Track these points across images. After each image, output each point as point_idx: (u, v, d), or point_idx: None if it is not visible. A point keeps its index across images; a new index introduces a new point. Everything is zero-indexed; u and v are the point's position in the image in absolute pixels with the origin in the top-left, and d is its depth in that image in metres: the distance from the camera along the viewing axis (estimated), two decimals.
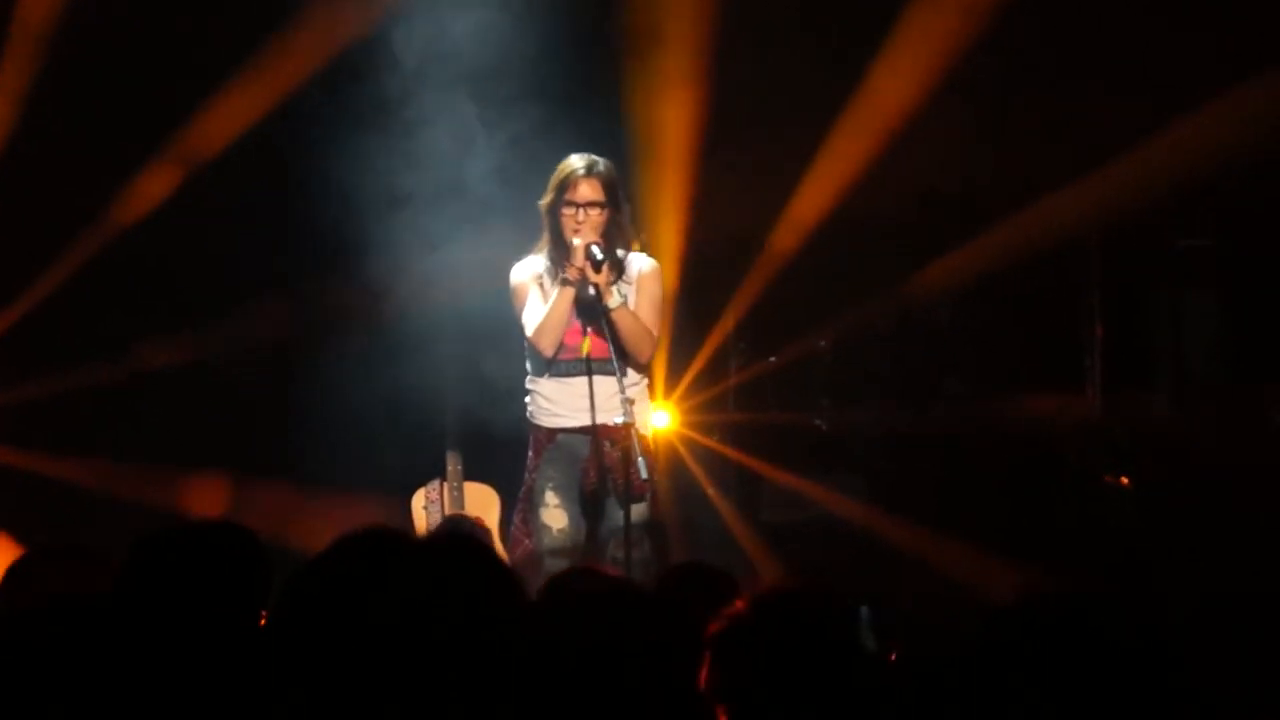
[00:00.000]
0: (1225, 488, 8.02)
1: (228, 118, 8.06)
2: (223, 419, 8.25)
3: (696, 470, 8.70)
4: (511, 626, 2.07)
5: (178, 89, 8.02)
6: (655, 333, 6.42)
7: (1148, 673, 2.75)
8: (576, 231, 6.28)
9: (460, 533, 2.14)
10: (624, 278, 6.42)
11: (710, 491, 8.74)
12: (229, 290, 8.22)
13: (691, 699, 2.86)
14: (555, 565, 6.20)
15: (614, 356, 6.18)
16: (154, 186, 8.14)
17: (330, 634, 1.99)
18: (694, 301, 8.35)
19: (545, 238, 6.41)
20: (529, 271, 6.44)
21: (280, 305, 8.26)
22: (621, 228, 6.40)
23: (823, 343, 8.83)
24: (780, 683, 3.02)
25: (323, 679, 1.97)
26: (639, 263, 6.46)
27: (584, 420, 6.27)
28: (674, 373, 8.54)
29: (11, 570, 3.87)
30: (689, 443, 8.71)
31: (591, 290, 6.24)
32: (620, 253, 6.40)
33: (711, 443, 8.75)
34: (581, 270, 6.23)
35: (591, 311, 6.28)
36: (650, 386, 6.69)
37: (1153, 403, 8.58)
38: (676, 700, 2.75)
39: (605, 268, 6.22)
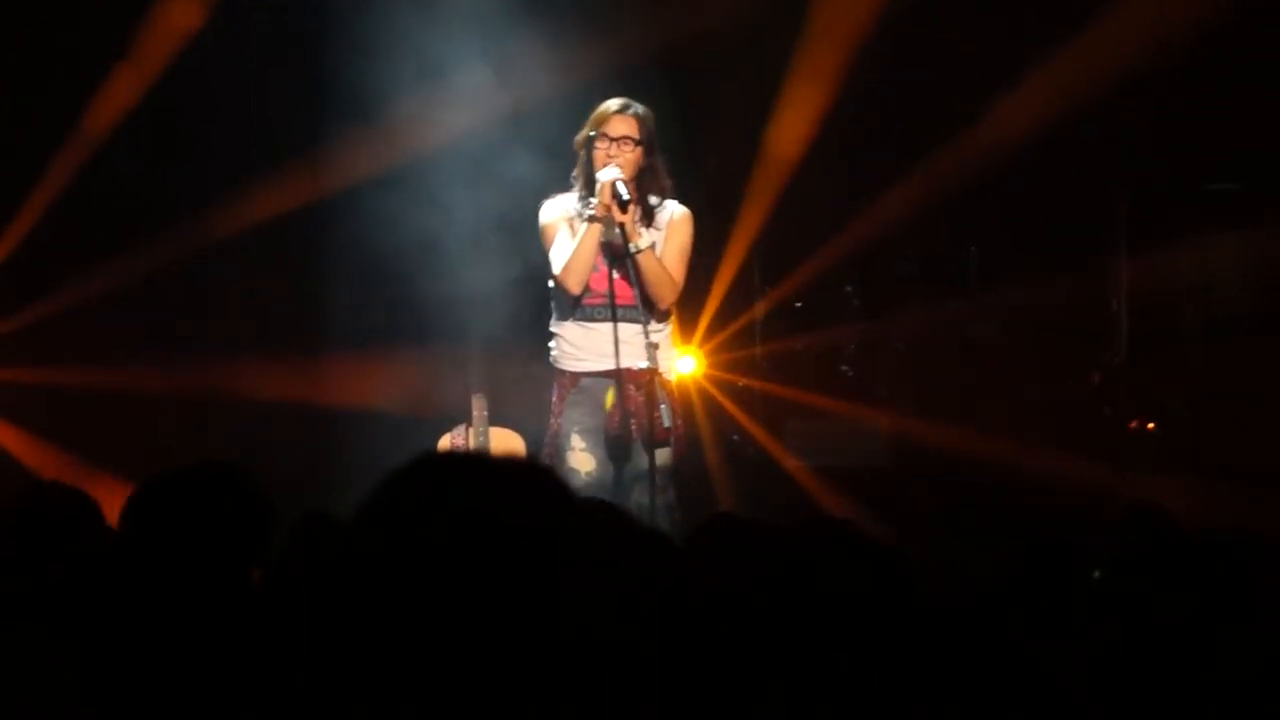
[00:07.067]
0: (1252, 432, 8.01)
1: None
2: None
3: (721, 416, 8.70)
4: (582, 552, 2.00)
5: None
6: (679, 281, 6.36)
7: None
8: (606, 164, 6.21)
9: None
10: (654, 224, 6.36)
11: (735, 438, 8.75)
12: None
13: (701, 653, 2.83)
14: None
15: (638, 300, 6.17)
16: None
17: (402, 557, 1.93)
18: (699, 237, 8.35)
19: (578, 177, 6.35)
20: (559, 210, 6.37)
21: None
22: (655, 173, 6.33)
23: (849, 288, 8.85)
24: (819, 616, 3.02)
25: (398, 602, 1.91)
26: (671, 209, 6.41)
27: (607, 364, 6.25)
28: (692, 316, 8.49)
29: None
30: (716, 386, 8.70)
31: (617, 230, 6.20)
32: (653, 200, 6.34)
33: (740, 378, 8.74)
34: (608, 208, 6.17)
35: (617, 254, 6.25)
36: (674, 332, 6.67)
37: (1181, 347, 8.54)
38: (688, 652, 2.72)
39: (632, 209, 6.17)
